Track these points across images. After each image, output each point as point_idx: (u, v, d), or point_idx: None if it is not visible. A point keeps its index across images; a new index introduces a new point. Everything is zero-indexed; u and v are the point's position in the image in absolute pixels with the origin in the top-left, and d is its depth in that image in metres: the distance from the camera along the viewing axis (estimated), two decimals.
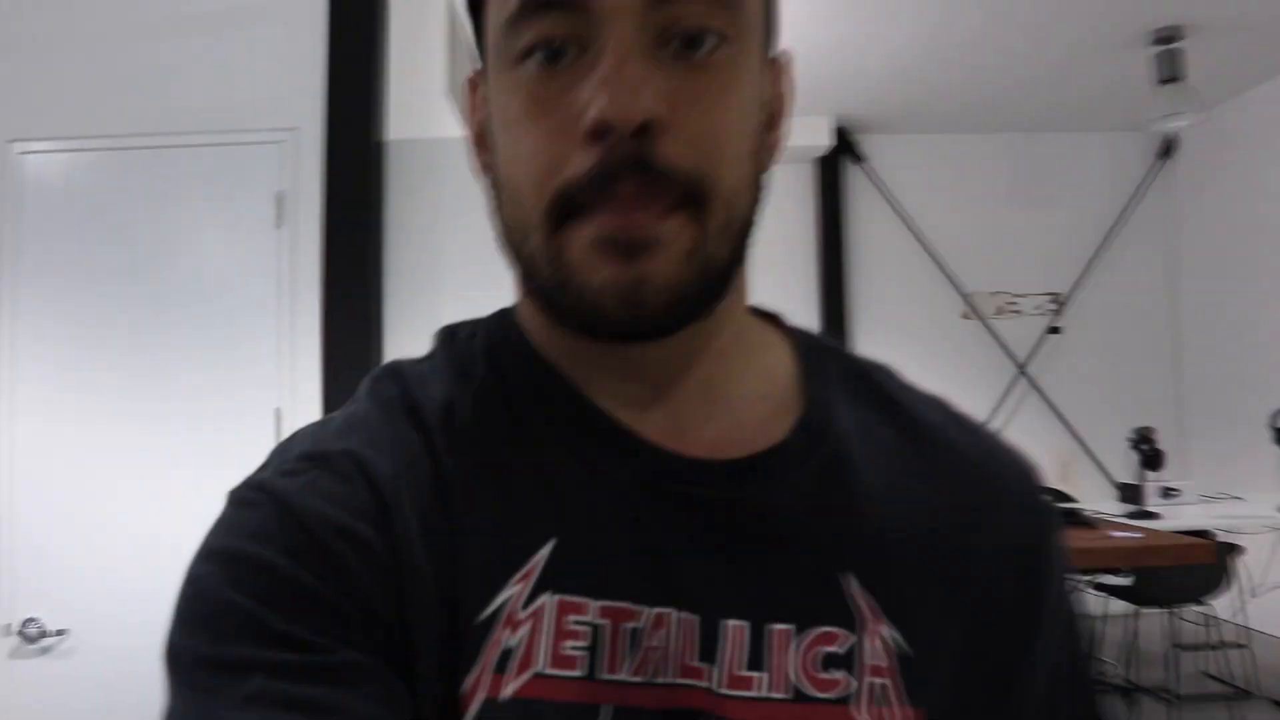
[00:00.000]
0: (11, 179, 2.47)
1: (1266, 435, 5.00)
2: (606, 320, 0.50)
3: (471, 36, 0.58)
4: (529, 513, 0.52)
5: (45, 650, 2.41)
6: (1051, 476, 5.12)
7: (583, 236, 0.49)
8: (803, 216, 6.14)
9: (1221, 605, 5.03)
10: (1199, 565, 3.71)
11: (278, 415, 2.43)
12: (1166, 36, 4.52)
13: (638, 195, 0.48)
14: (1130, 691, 4.45)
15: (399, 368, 0.60)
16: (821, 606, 0.53)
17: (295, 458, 0.53)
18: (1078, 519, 3.65)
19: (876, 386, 0.63)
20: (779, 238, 6.04)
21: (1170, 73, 4.55)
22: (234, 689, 0.45)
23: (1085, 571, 3.73)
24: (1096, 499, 4.97)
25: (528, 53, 0.50)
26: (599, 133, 0.47)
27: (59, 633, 2.41)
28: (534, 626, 0.49)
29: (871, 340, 6.14)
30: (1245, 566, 4.93)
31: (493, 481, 0.53)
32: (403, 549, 0.49)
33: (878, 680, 0.52)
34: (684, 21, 0.49)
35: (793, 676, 0.51)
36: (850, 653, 0.52)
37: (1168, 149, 6.21)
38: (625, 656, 0.50)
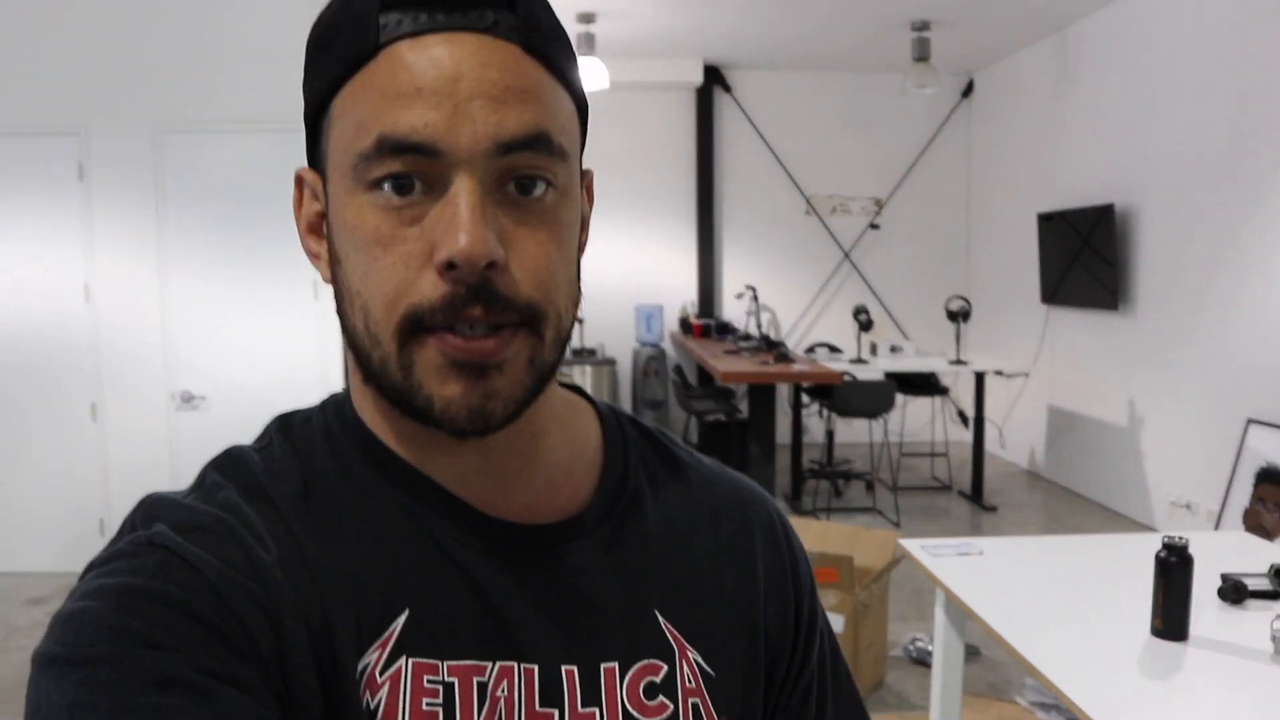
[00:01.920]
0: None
1: (1011, 314, 7.10)
2: (455, 427, 0.56)
3: (305, 135, 0.62)
4: (383, 582, 0.58)
5: (195, 408, 4.58)
6: (876, 334, 7.23)
7: (432, 355, 0.55)
8: (683, 137, 8.02)
9: (936, 426, 7.29)
10: (883, 391, 5.79)
11: (315, 286, 4.57)
12: (920, 24, 6.34)
13: (483, 316, 0.54)
14: (870, 481, 6.64)
15: (240, 455, 0.63)
16: (639, 642, 0.62)
17: (176, 525, 0.56)
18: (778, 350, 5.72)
19: (663, 448, 0.72)
20: (664, 155, 7.99)
21: (920, 53, 6.39)
22: (137, 679, 0.48)
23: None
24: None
25: (379, 182, 0.54)
26: (452, 267, 0.53)
27: (202, 397, 4.60)
28: (393, 688, 0.55)
29: (734, 232, 8.12)
30: (949, 401, 7.12)
31: (345, 553, 0.58)
32: (277, 601, 0.54)
33: (693, 700, 0.62)
34: (521, 169, 0.55)
35: (624, 707, 0.60)
36: (669, 679, 0.62)
37: (968, 89, 8.06)
38: (476, 709, 0.56)
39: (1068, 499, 6.41)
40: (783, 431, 6.75)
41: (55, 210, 4.75)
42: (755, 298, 7.54)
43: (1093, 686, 1.67)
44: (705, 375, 7.31)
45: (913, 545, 2.46)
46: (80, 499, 4.88)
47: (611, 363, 7.84)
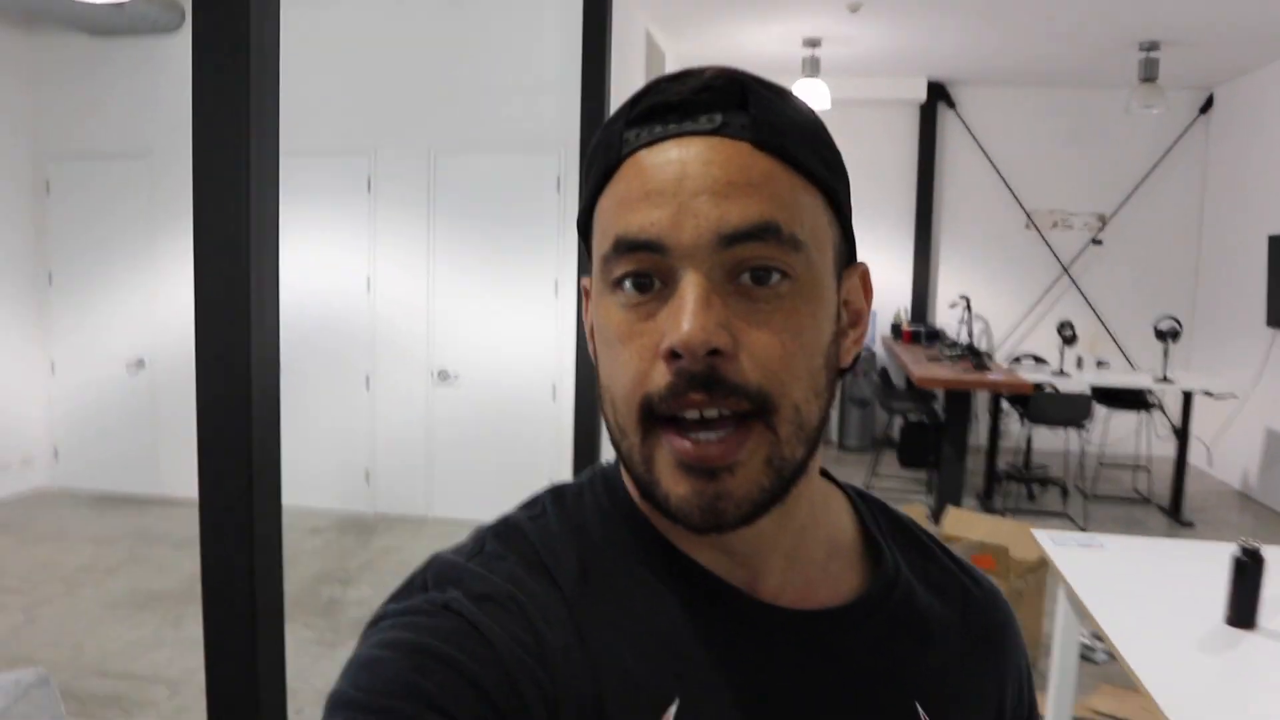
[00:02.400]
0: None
1: (1235, 335, 7.01)
2: (688, 524, 0.57)
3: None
4: (655, 670, 0.58)
5: (449, 384, 5.47)
6: (1083, 348, 7.34)
7: (666, 453, 0.57)
8: (906, 152, 8.32)
9: (1140, 441, 7.24)
10: (1079, 402, 5.93)
11: (555, 284, 5.32)
12: (1149, 45, 6.37)
13: (706, 402, 0.55)
14: (1065, 488, 6.75)
15: (518, 525, 0.65)
16: None
17: (469, 593, 0.58)
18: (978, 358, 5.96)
19: (912, 535, 0.74)
20: (886, 167, 8.31)
21: (1148, 74, 6.42)
22: None
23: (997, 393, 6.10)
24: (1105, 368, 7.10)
25: (620, 280, 0.58)
26: (674, 354, 0.55)
27: (456, 375, 5.45)
28: None
29: (951, 243, 8.33)
30: (1155, 416, 7.08)
31: (621, 640, 0.59)
32: (560, 688, 0.56)
33: None
34: (750, 261, 0.56)
35: None
36: None
37: (1208, 105, 7.88)
38: None
39: (1274, 520, 6.29)
40: (983, 435, 6.96)
41: (347, 216, 5.78)
42: (969, 307, 7.74)
43: (1160, 664, 2.02)
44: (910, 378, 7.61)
45: (1041, 535, 2.82)
46: (352, 453, 5.92)
47: None
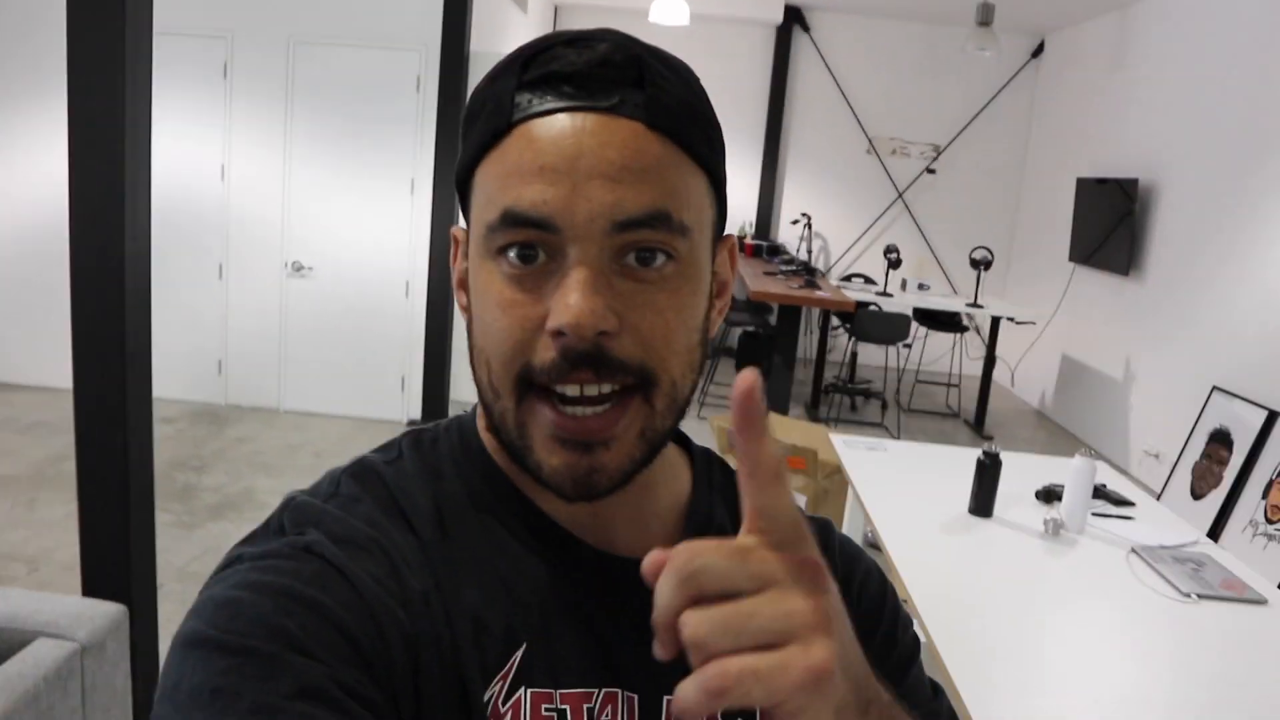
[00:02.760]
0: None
1: (1043, 267, 7.67)
2: (560, 493, 0.60)
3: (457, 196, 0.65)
4: (504, 615, 0.61)
5: (303, 276, 5.57)
6: (910, 271, 7.90)
7: (544, 424, 0.59)
8: (760, 71, 8.64)
9: (954, 360, 7.95)
10: (898, 321, 6.51)
11: (411, 183, 5.44)
12: None
13: (593, 379, 0.57)
14: (884, 401, 7.39)
15: (373, 466, 0.66)
16: None
17: (331, 536, 0.58)
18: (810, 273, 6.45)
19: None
20: (739, 86, 8.61)
21: (983, 18, 6.88)
22: (285, 681, 0.50)
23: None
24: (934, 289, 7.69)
25: (504, 249, 0.58)
26: (561, 334, 0.56)
27: (310, 268, 5.54)
28: (514, 717, 0.59)
29: (797, 163, 8.76)
30: (968, 338, 7.77)
31: (473, 587, 0.61)
32: (420, 631, 0.57)
33: None
34: (638, 244, 0.57)
35: None
36: (753, 710, 0.66)
37: (1039, 50, 8.46)
38: None
39: (1063, 438, 7.09)
40: (814, 349, 7.51)
41: (204, 101, 5.70)
42: (809, 225, 8.23)
43: (912, 545, 2.46)
44: None
45: (836, 439, 3.26)
46: (204, 341, 5.95)
47: None
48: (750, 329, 7.44)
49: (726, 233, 0.69)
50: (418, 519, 0.62)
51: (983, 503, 2.64)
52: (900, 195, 8.74)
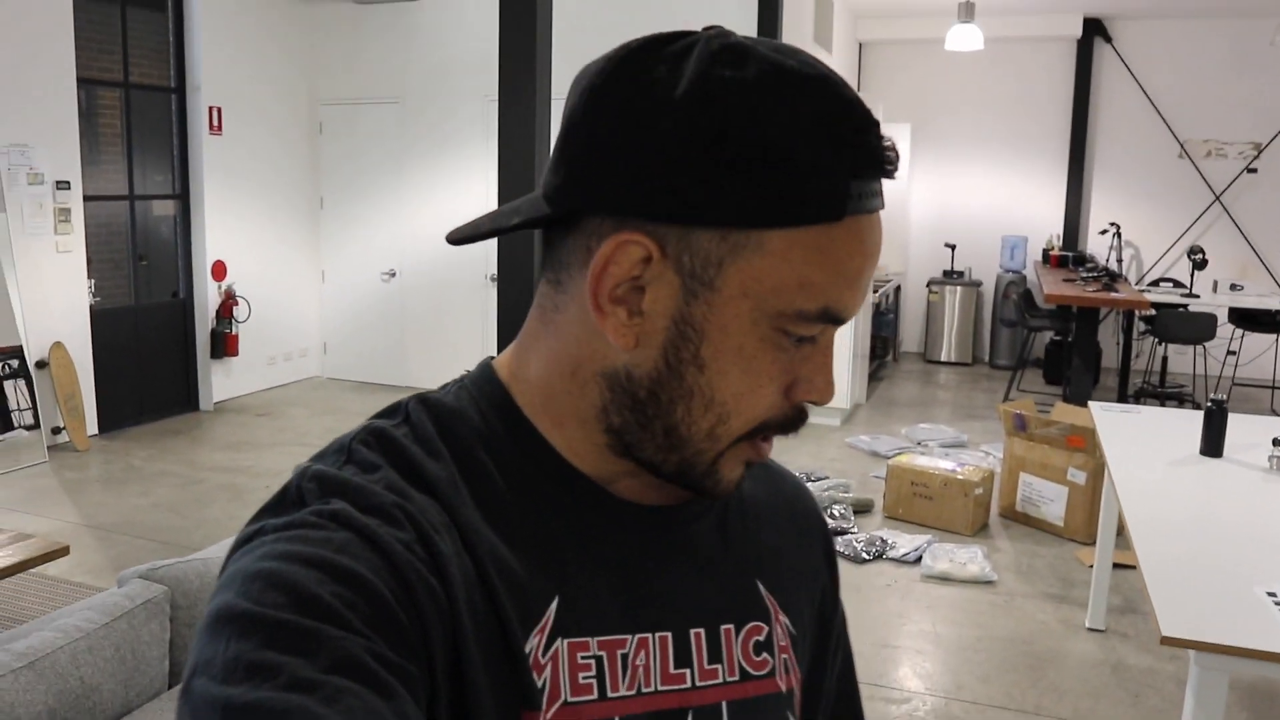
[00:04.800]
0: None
1: None
2: (713, 496, 0.67)
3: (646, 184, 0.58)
4: (535, 569, 0.62)
5: (392, 279, 6.65)
6: (1233, 274, 7.86)
7: (742, 457, 0.65)
8: (1060, 86, 8.85)
9: None
10: (1202, 321, 6.53)
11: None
12: None
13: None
14: (1196, 405, 7.33)
15: (386, 432, 0.64)
16: (747, 607, 0.71)
17: (360, 508, 0.57)
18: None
19: None
20: (1040, 101, 8.89)
21: None
22: (322, 655, 0.49)
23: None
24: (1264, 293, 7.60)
25: (790, 333, 0.60)
26: (811, 402, 0.63)
27: (395, 273, 6.63)
28: (554, 668, 0.61)
29: (1104, 173, 8.84)
30: None
31: (504, 544, 0.62)
32: (453, 597, 0.57)
33: (784, 656, 0.73)
34: None
35: (740, 663, 0.69)
36: (768, 639, 0.71)
37: None
38: (621, 677, 0.64)
39: None
40: (1119, 357, 7.61)
41: None
42: (1118, 234, 8.31)
43: (1137, 481, 2.90)
44: None
45: (1096, 406, 3.70)
46: None
47: (977, 284, 9.06)
48: (1054, 335, 7.69)
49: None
50: (439, 482, 0.62)
51: (1212, 443, 3.04)
52: (1218, 197, 8.56)
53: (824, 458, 6.01)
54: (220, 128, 6.87)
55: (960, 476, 4.82)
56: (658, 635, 0.66)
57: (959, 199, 9.28)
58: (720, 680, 0.67)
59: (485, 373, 0.68)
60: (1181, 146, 8.62)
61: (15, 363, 5.57)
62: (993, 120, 8.94)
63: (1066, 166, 8.89)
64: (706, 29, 0.61)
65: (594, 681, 0.62)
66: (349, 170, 7.69)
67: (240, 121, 7.05)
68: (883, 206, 0.61)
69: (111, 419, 6.35)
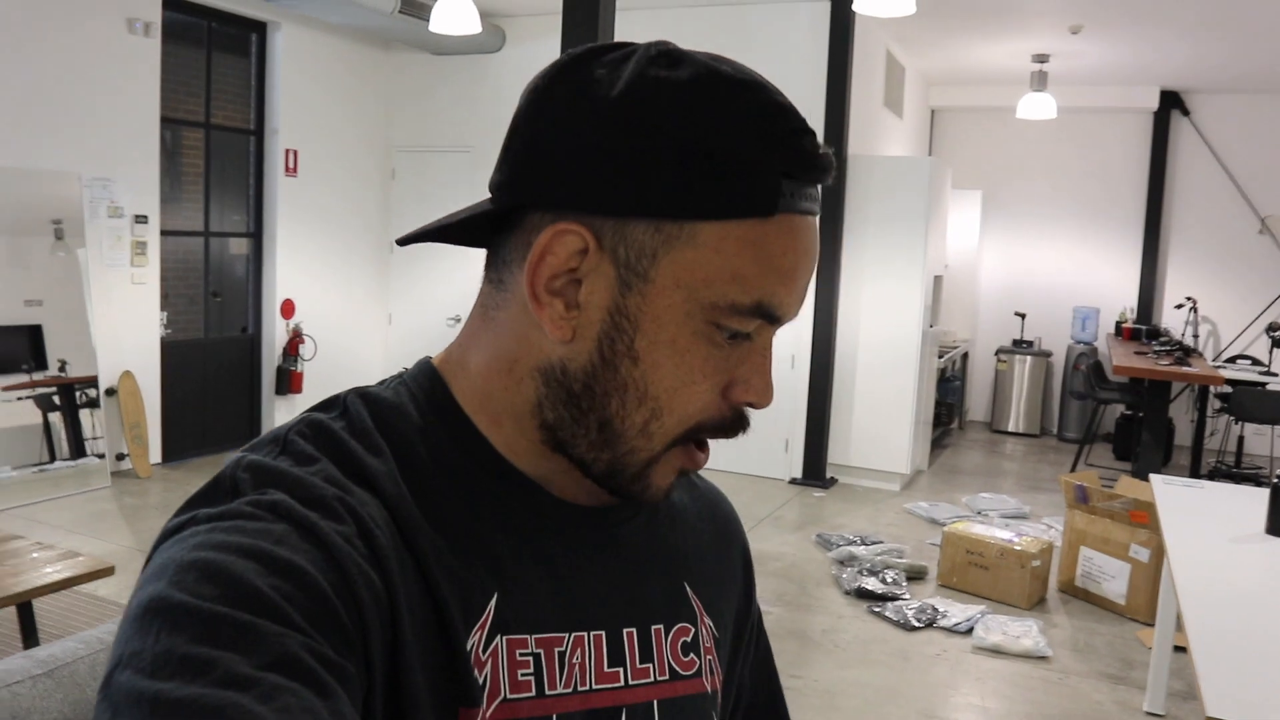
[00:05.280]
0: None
1: None
2: (644, 501, 0.69)
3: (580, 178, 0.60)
4: (474, 566, 0.62)
5: (457, 325, 6.70)
6: None
7: (676, 463, 0.65)
8: (1136, 158, 8.71)
9: None
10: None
11: None
12: None
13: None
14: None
15: (325, 426, 0.63)
16: (676, 609, 0.72)
17: (300, 499, 0.56)
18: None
19: None
20: (1114, 172, 8.76)
21: None
22: (258, 650, 0.47)
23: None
24: None
25: (723, 327, 0.60)
26: (750, 405, 0.64)
27: (460, 319, 6.69)
28: (494, 664, 0.60)
29: (1180, 247, 8.65)
30: None
31: (443, 540, 0.61)
32: (393, 592, 0.56)
33: (709, 657, 0.74)
34: None
35: (669, 663, 0.70)
36: (695, 640, 0.73)
37: None
38: (559, 675, 0.63)
39: None
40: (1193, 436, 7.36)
41: None
42: (1194, 309, 8.10)
43: (1194, 557, 2.78)
44: None
45: (1157, 479, 3.57)
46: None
47: (1047, 355, 8.89)
48: (1124, 409, 7.48)
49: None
50: (379, 477, 0.61)
51: (1277, 522, 2.90)
52: None
53: (880, 522, 5.89)
54: (296, 170, 7.08)
55: (1017, 547, 4.67)
56: (593, 634, 0.66)
57: (1029, 267, 9.14)
58: (651, 679, 0.68)
59: (425, 369, 0.69)
60: (1262, 222, 8.40)
61: (92, 392, 5.73)
62: (1065, 189, 8.82)
63: (1142, 239, 8.72)
64: (650, 42, 0.63)
65: (532, 679, 0.62)
66: (420, 216, 7.83)
67: (315, 164, 7.25)
68: (818, 213, 0.63)
69: (175, 448, 6.49)
